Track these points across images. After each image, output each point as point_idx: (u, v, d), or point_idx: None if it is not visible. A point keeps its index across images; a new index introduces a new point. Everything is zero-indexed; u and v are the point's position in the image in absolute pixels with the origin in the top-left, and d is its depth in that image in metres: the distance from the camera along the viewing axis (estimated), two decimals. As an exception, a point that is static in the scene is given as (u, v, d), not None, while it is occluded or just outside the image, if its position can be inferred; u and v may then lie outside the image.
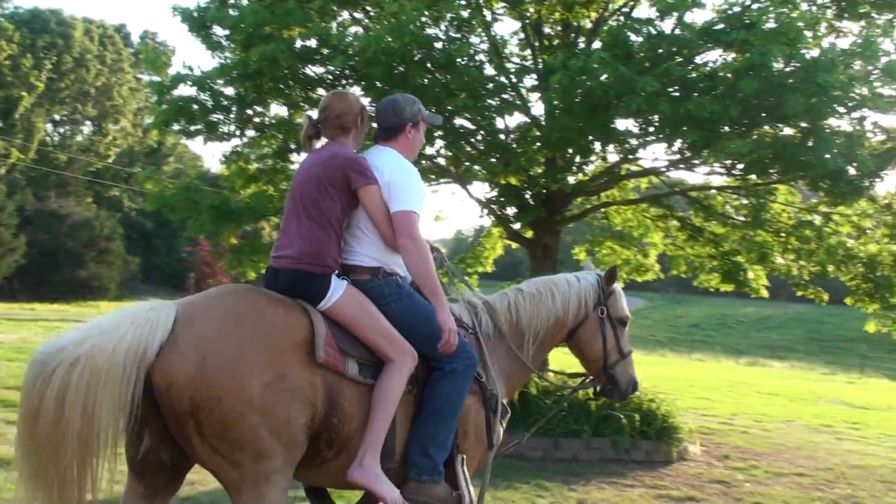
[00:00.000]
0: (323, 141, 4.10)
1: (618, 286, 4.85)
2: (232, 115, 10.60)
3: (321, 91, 10.51)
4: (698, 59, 9.10)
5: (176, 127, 10.55)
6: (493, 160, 10.33)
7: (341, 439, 3.59)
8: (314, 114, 4.11)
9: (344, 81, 10.12)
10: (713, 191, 11.90)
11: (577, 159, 10.21)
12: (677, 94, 8.42)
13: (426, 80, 9.06)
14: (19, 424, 3.23)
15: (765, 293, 11.79)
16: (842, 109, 8.68)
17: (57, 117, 53.22)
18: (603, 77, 7.99)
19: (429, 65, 9.08)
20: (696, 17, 8.83)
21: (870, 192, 9.49)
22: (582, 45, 10.22)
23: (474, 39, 10.01)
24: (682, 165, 10.72)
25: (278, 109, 11.07)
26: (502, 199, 10.77)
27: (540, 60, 10.50)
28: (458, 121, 10.03)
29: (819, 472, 9.65)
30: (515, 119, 11.25)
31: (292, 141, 10.91)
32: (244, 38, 9.40)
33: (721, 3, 9.32)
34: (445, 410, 3.83)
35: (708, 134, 8.18)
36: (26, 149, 44.55)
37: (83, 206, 46.68)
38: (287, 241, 3.81)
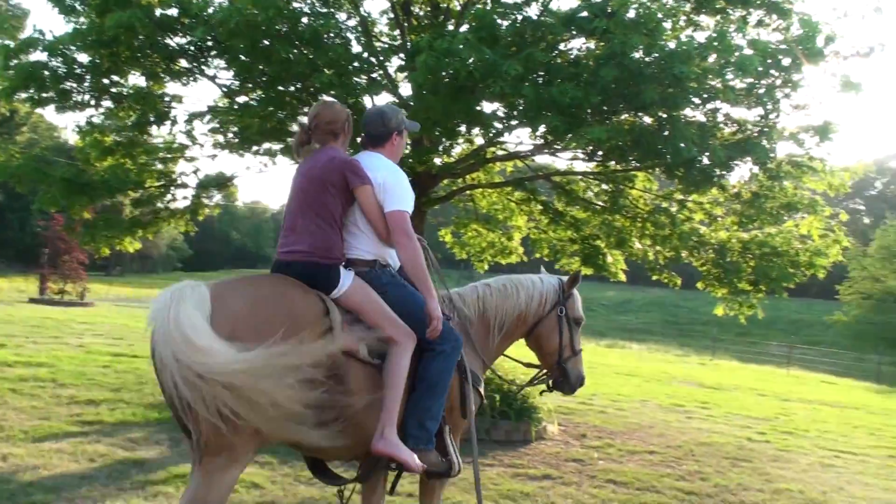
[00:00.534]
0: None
1: (576, 290, 5.36)
2: (86, 84, 10.10)
3: (183, 62, 10.16)
4: (562, 46, 9.23)
5: (24, 95, 9.98)
6: (359, 140, 10.22)
7: (348, 412, 3.95)
8: (304, 121, 4.54)
9: (207, 53, 9.82)
10: (575, 176, 12.16)
11: (444, 141, 10.22)
12: (541, 79, 8.52)
13: (291, 55, 8.87)
14: None
15: (623, 277, 12.13)
16: (696, 100, 8.97)
17: None
18: (469, 60, 8.00)
19: (294, 39, 8.89)
20: (562, 4, 8.97)
21: (721, 182, 9.83)
22: (451, 28, 10.22)
23: (342, 16, 9.87)
24: (545, 150, 10.88)
25: (137, 80, 10.62)
26: (369, 179, 10.66)
27: (408, 40, 10.44)
28: (324, 98, 9.87)
29: (669, 450, 10.03)
30: (383, 98, 11.15)
31: (152, 112, 10.52)
32: (99, 2, 8.99)
33: (585, -9, 9.47)
34: (438, 387, 4.31)
35: (570, 119, 8.30)
36: None
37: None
38: (296, 237, 4.20)
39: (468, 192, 12.82)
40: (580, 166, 11.79)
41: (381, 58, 9.95)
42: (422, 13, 11.29)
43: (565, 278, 5.34)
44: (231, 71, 9.70)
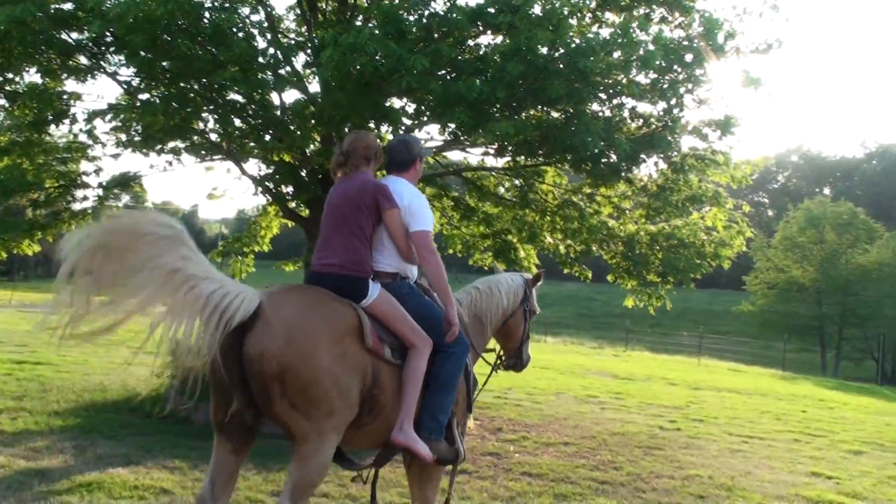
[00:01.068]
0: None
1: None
2: (-24, 81, 9.72)
3: (81, 59, 9.84)
4: (469, 41, 9.25)
5: None
6: (268, 137, 10.08)
7: (378, 407, 4.48)
8: (343, 146, 5.00)
9: (105, 49, 9.52)
10: (486, 171, 12.21)
11: (353, 137, 10.13)
12: (449, 74, 8.52)
13: (194, 51, 8.68)
14: None
15: (535, 271, 12.23)
16: (602, 95, 9.11)
17: None
18: (377, 55, 7.95)
19: (196, 35, 8.69)
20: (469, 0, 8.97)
21: (628, 175, 9.99)
22: (359, 23, 10.14)
23: (246, 10, 9.68)
24: (455, 146, 10.90)
25: (33, 77, 10.24)
26: (277, 176, 10.53)
27: (315, 36, 10.32)
28: (229, 95, 9.70)
29: (583, 441, 10.13)
30: (291, 95, 11.02)
31: (49, 111, 10.16)
32: (-12, -4, 8.62)
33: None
34: (449, 384, 4.84)
35: (478, 115, 8.33)
36: None
37: None
38: (331, 251, 4.71)
39: (379, 189, 12.74)
40: (491, 162, 11.85)
41: (288, 54, 9.80)
42: (328, 8, 11.18)
43: (528, 276, 6.23)
44: (131, 67, 9.43)
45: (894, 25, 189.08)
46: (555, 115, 9.14)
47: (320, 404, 4.13)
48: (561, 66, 8.22)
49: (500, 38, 8.89)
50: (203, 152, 10.84)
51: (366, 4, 10.63)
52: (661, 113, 9.47)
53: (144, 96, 10.03)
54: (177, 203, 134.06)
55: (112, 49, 9.43)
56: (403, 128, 10.08)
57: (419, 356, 4.67)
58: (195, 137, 10.30)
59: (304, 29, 11.34)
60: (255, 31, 9.51)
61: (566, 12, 8.47)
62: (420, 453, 4.66)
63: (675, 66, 9.08)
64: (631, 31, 8.51)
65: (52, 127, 10.87)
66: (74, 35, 9.42)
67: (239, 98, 9.72)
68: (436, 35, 8.53)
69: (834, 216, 59.48)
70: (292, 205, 11.39)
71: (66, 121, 10.48)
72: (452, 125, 9.11)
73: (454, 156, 13.69)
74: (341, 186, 4.86)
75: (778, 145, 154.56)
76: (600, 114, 9.28)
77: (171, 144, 10.62)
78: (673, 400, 15.38)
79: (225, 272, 13.33)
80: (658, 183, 10.82)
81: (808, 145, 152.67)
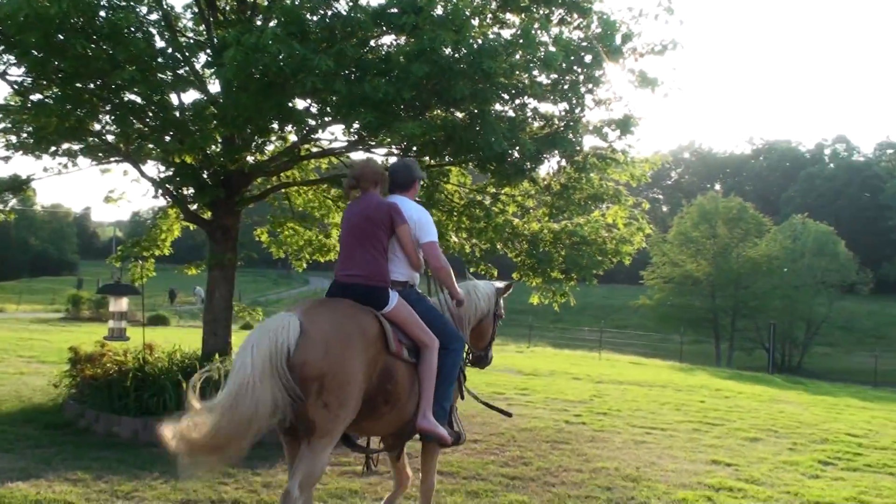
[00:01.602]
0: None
1: None
2: None
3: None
4: (373, 42, 9.22)
5: None
6: (168, 138, 9.85)
7: (394, 400, 5.27)
8: (353, 172, 5.83)
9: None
10: (391, 172, 12.18)
11: (256, 138, 10.00)
12: (353, 74, 8.48)
13: (89, 51, 8.41)
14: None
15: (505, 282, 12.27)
16: (505, 96, 9.20)
17: None
18: (279, 55, 7.85)
19: (92, 34, 8.43)
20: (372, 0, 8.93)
21: (532, 174, 10.11)
22: (259, 23, 9.99)
23: (143, 9, 9.43)
24: (360, 147, 10.85)
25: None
26: (178, 178, 10.30)
27: (215, 36, 10.13)
28: (127, 95, 9.44)
29: (492, 437, 10.24)
30: (191, 96, 10.79)
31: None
32: None
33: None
34: (451, 376, 5.71)
35: (383, 115, 8.32)
36: None
37: None
38: (354, 264, 5.46)
39: (283, 190, 12.61)
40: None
41: (187, 53, 9.60)
42: (227, 7, 10.98)
43: (500, 284, 7.03)
44: (23, 67, 9.08)
45: (780, 25, 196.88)
46: (459, 115, 9.19)
47: (347, 403, 4.85)
48: (465, 66, 8.27)
49: (403, 39, 8.89)
50: (100, 154, 10.52)
51: (266, 4, 10.47)
52: (563, 113, 9.62)
53: (37, 97, 9.67)
54: (68, 206, 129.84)
55: (1, 48, 9.05)
56: (307, 128, 10.00)
57: (432, 354, 5.46)
58: (91, 139, 9.99)
59: (202, 28, 11.10)
60: (154, 31, 9.27)
61: (468, 13, 8.53)
62: (442, 436, 5.57)
63: (576, 67, 9.24)
64: (532, 32, 8.61)
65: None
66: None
67: (137, 99, 9.47)
68: (339, 35, 8.48)
69: (725, 211, 61.46)
70: (194, 207, 11.16)
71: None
72: (357, 126, 9.06)
73: (357, 156, 13.64)
74: (358, 206, 5.63)
75: (671, 143, 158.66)
76: (504, 114, 9.38)
77: (66, 146, 10.27)
78: (577, 394, 15.66)
79: (124, 277, 13.04)
80: (561, 182, 11.00)
81: (699, 142, 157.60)
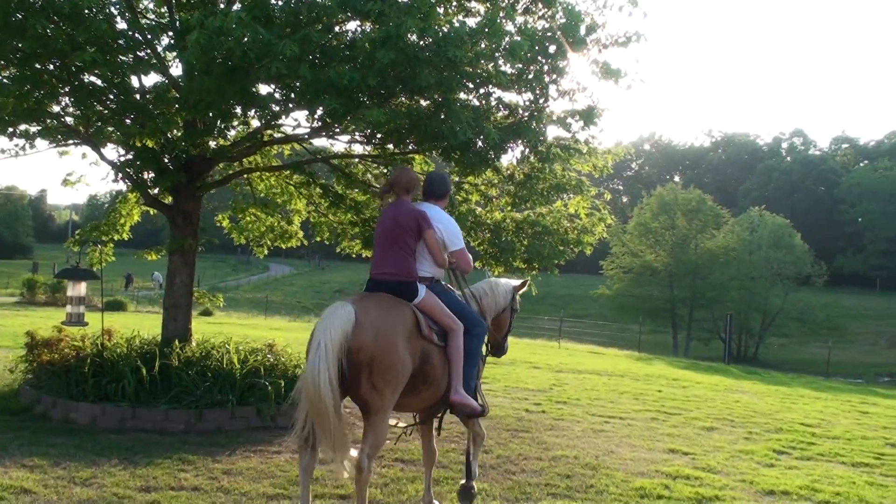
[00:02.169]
0: None
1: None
2: None
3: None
4: (338, 28, 9.15)
5: None
6: (128, 121, 9.72)
7: (430, 379, 5.97)
8: (390, 178, 6.59)
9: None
10: (354, 159, 12.15)
11: (219, 123, 9.90)
12: (318, 60, 8.42)
13: (49, 31, 8.26)
14: None
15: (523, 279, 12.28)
16: (470, 84, 9.18)
17: None
18: (244, 39, 7.77)
19: (52, 13, 8.28)
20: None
21: (495, 164, 10.13)
22: (223, 6, 9.88)
23: (104, -10, 9.27)
24: (323, 133, 10.79)
25: None
26: (139, 162, 10.16)
27: (177, 18, 10.00)
28: (88, 77, 9.29)
29: (453, 426, 10.23)
30: (152, 78, 10.64)
31: None
32: None
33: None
34: (475, 356, 6.42)
35: (347, 102, 8.27)
36: None
37: None
38: (385, 263, 6.17)
39: (245, 175, 12.52)
40: (358, 149, 11.80)
41: (149, 36, 9.46)
42: (190, -10, 10.83)
43: (516, 282, 7.78)
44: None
45: (740, 19, 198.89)
46: (424, 103, 9.17)
47: (394, 384, 5.57)
48: (430, 54, 8.24)
49: (368, 25, 8.84)
50: (59, 137, 10.35)
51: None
52: (527, 103, 9.62)
53: (-7, 77, 9.49)
54: (23, 188, 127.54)
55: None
56: (270, 114, 9.91)
57: (458, 336, 6.13)
58: (50, 121, 9.83)
59: (164, 10, 10.95)
60: (115, 12, 9.13)
61: (433, 1, 8.51)
62: (473, 406, 6.29)
63: (540, 57, 9.24)
64: (498, 21, 8.60)
65: None
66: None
67: (98, 81, 9.33)
68: (304, 20, 8.41)
69: (684, 202, 62.17)
70: (154, 192, 11.04)
71: None
72: (321, 112, 9.01)
73: (319, 142, 13.58)
74: (390, 212, 6.31)
75: (633, 134, 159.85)
76: (469, 103, 9.36)
77: (24, 128, 10.09)
78: (537, 383, 15.77)
79: (83, 262, 12.86)
80: (524, 172, 11.04)
81: (660, 134, 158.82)
